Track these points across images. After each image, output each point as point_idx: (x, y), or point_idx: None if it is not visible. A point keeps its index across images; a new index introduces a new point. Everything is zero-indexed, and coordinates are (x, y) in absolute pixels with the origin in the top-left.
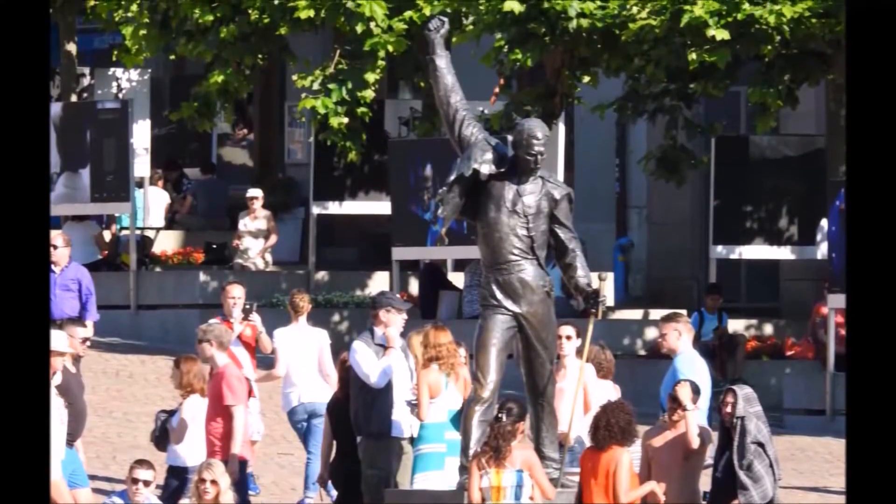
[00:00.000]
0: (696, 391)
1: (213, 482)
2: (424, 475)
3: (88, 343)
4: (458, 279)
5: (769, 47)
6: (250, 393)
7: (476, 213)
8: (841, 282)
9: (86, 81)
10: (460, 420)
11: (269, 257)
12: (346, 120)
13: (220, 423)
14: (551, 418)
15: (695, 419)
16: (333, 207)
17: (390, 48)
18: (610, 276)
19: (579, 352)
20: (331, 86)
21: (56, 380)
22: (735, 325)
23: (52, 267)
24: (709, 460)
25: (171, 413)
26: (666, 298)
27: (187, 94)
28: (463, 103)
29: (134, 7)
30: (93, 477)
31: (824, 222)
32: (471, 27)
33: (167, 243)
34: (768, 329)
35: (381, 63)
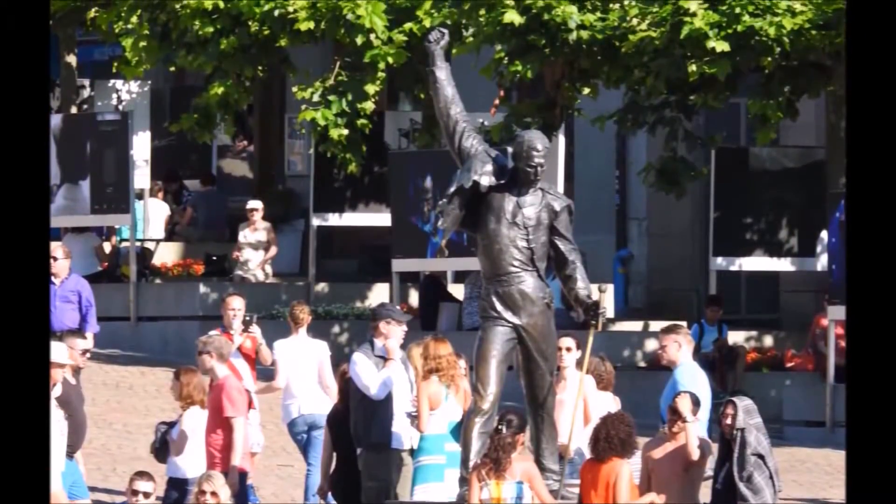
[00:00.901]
0: (696, 403)
1: (214, 494)
2: (424, 487)
3: (88, 355)
4: (458, 291)
5: (769, 59)
6: (250, 405)
7: (476, 225)
8: (841, 293)
9: (86, 93)
10: (460, 432)
11: (269, 269)
12: (346, 131)
13: (221, 435)
14: (551, 430)
15: (695, 431)
16: (333, 219)
17: (390, 60)
18: (610, 287)
19: (579, 363)
20: (331, 97)
21: (56, 391)
22: (735, 337)
23: (52, 279)
24: (709, 472)
25: (171, 425)
26: (666, 310)
27: (187, 106)
28: (463, 115)
29: (134, 19)
30: (93, 489)
31: (824, 234)
32: (471, 39)
33: (167, 255)
34: (768, 341)
35: (381, 75)
